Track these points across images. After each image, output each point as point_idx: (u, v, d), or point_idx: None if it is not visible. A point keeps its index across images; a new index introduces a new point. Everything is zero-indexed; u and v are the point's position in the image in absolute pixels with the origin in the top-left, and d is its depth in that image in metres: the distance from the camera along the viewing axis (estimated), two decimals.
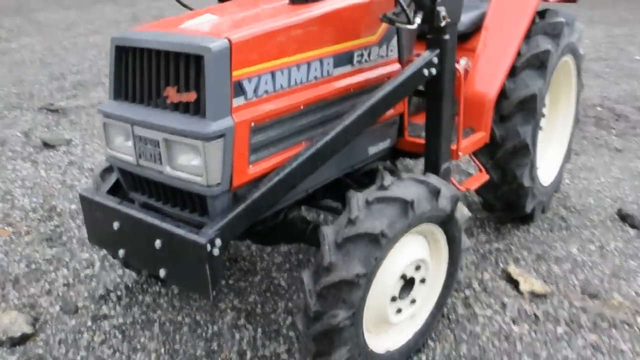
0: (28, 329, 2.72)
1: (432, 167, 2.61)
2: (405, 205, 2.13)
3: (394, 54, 2.61)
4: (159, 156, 2.09)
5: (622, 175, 4.24)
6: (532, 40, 3.13)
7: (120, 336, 2.69)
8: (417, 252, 2.35)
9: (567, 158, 3.81)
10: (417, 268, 2.37)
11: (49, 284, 3.11)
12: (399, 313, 2.38)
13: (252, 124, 2.05)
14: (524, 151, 3.11)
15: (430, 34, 2.42)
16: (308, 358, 2.22)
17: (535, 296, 2.95)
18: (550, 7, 3.42)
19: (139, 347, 2.62)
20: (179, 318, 2.80)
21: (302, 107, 2.23)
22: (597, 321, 2.79)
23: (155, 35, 2.10)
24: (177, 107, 2.03)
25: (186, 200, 2.18)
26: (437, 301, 2.57)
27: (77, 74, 6.90)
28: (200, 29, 2.12)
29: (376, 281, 2.16)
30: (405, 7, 2.20)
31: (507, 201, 3.34)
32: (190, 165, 2.02)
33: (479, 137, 2.94)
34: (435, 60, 2.41)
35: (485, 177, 3.10)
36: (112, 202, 2.30)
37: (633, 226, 3.56)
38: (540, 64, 3.10)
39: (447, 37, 2.41)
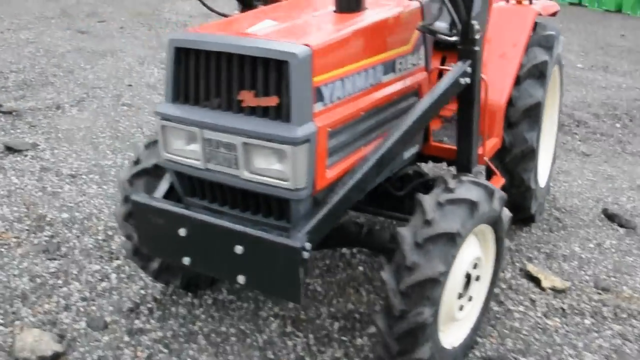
0: (58, 347, 2.52)
1: (465, 171, 2.71)
2: (472, 206, 2.23)
3: (423, 63, 2.71)
4: (234, 160, 2.03)
5: (595, 178, 4.58)
6: (530, 51, 3.32)
7: (166, 350, 2.55)
8: (475, 251, 2.44)
9: (553, 161, 4.06)
10: (474, 266, 2.45)
11: (64, 299, 2.88)
12: (461, 310, 2.44)
13: (329, 128, 2.07)
14: (531, 155, 3.30)
15: (462, 46, 2.52)
16: (387, 358, 2.22)
17: (557, 292, 3.12)
18: (539, 21, 3.62)
19: None
20: (223, 328, 2.69)
21: (362, 113, 2.28)
22: (617, 312, 3.00)
23: (226, 39, 2.05)
24: (253, 111, 2.00)
25: (260, 204, 2.13)
26: (485, 298, 2.66)
27: (18, 72, 6.35)
28: (273, 35, 2.10)
29: (449, 279, 2.21)
30: (457, 21, 2.30)
31: (514, 203, 3.49)
32: (272, 169, 1.99)
33: (494, 143, 3.09)
34: (469, 69, 2.53)
35: (502, 181, 3.24)
36: (177, 208, 2.19)
37: (621, 225, 3.85)
38: (539, 73, 3.30)
39: (477, 48, 2.52)
